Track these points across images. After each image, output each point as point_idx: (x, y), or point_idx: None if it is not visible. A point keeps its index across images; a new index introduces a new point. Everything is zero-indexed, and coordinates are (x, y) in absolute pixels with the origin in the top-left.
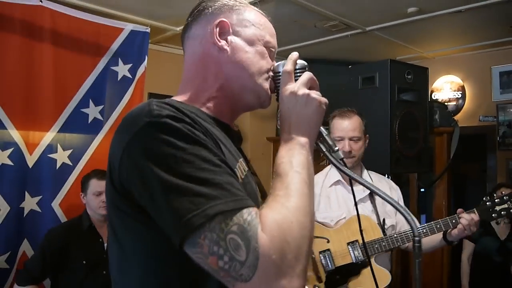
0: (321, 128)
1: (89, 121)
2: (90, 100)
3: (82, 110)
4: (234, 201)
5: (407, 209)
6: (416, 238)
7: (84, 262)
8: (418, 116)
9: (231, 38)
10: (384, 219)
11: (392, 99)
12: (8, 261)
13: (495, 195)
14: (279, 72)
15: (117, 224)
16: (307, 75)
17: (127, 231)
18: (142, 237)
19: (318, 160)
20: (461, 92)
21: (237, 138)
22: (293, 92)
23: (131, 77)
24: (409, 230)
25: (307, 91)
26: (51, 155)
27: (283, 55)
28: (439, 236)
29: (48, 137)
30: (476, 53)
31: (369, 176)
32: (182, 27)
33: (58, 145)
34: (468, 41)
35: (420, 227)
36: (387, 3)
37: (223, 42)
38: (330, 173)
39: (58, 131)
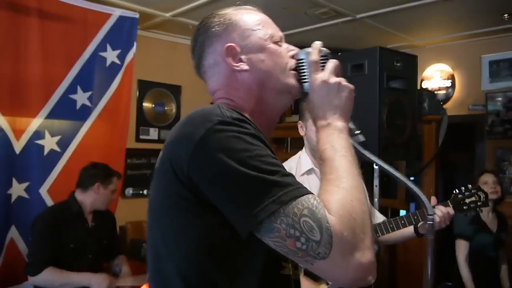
0: None
1: (77, 108)
2: (78, 86)
3: (70, 96)
4: (302, 188)
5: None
6: (430, 216)
7: (72, 245)
8: (407, 104)
9: (243, 56)
10: None
11: (381, 87)
12: None
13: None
14: (302, 59)
15: (167, 216)
16: (333, 62)
17: (176, 222)
18: (189, 229)
19: (283, 149)
20: (451, 81)
21: None
22: (324, 81)
23: (119, 63)
24: (380, 223)
25: (337, 79)
26: (38, 141)
27: None
28: (410, 229)
29: (36, 123)
30: (466, 41)
31: None
32: (172, 13)
33: (46, 131)
34: (458, 30)
35: (387, 221)
36: None
37: (240, 64)
38: (302, 161)
39: (46, 117)
